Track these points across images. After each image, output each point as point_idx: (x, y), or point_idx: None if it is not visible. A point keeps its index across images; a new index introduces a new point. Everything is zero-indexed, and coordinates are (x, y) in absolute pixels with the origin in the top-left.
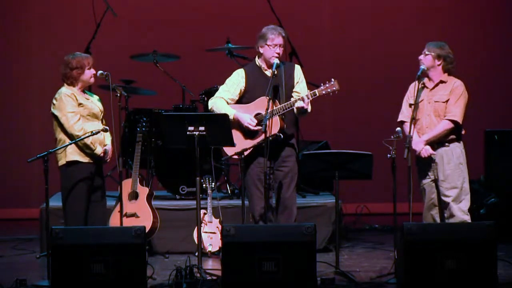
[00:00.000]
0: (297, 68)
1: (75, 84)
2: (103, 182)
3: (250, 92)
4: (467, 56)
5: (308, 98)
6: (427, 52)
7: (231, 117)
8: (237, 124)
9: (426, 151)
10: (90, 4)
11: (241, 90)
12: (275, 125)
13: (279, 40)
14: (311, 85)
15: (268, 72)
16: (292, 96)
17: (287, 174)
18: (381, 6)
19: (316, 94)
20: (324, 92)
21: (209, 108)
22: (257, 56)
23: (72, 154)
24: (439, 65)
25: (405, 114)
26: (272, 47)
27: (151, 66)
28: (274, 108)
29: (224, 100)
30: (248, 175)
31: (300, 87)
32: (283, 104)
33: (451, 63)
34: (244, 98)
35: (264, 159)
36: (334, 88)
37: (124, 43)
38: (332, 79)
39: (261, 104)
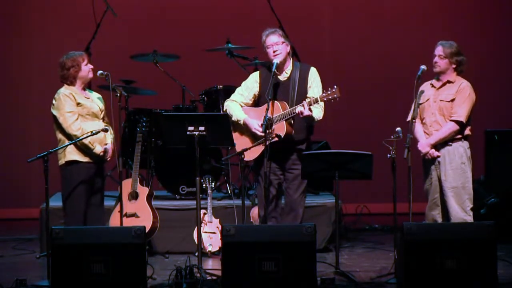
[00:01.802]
0: (312, 72)
1: (75, 82)
2: (102, 184)
3: (264, 96)
4: (467, 56)
5: (309, 105)
6: (443, 55)
7: (241, 122)
8: (247, 129)
9: (431, 154)
10: (90, 4)
11: (255, 95)
12: (280, 130)
13: (271, 39)
14: None
15: (281, 76)
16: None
17: (296, 177)
18: (381, 6)
19: (317, 101)
20: (325, 98)
21: (224, 110)
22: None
23: (71, 153)
24: (454, 68)
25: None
26: (267, 48)
27: (151, 66)
28: (280, 113)
29: (237, 103)
30: (259, 174)
31: (314, 92)
32: (287, 110)
33: (463, 65)
34: (260, 102)
35: (265, 160)
36: (336, 96)
37: (124, 43)
38: (335, 86)
39: (271, 108)
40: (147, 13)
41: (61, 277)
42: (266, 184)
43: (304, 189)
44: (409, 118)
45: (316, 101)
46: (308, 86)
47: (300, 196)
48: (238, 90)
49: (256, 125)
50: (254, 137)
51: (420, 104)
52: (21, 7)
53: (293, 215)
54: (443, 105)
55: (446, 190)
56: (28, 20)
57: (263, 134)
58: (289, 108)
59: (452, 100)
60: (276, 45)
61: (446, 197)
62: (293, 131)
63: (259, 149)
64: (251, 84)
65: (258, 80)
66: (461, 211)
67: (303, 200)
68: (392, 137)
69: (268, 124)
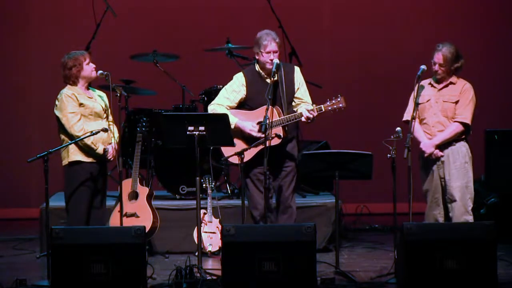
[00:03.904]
0: (297, 72)
1: (77, 82)
2: (105, 185)
3: (251, 99)
4: (466, 56)
5: (312, 114)
6: (443, 64)
7: (232, 126)
8: (239, 132)
9: (436, 154)
10: (90, 4)
11: (241, 98)
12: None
13: (273, 47)
14: (312, 85)
15: (269, 79)
16: (294, 101)
17: (288, 174)
18: (381, 6)
19: (321, 110)
20: (330, 108)
21: None
22: (256, 62)
23: (74, 154)
24: (452, 73)
25: (411, 113)
26: (266, 53)
27: (151, 66)
28: (278, 118)
29: (224, 107)
30: (248, 176)
31: (302, 92)
32: (286, 116)
33: (462, 66)
34: (246, 105)
35: (265, 160)
36: (341, 105)
37: (124, 43)
38: (339, 96)
39: (263, 113)
40: (147, 13)
41: (61, 277)
42: (266, 185)
43: (295, 185)
44: (406, 118)
45: (320, 110)
46: (296, 88)
47: (292, 192)
48: (222, 93)
49: (250, 126)
50: (246, 140)
51: (420, 104)
52: (21, 7)
53: (289, 213)
54: (447, 106)
55: (451, 190)
56: (28, 20)
57: (258, 135)
58: (283, 112)
59: (457, 102)
60: (274, 53)
61: (451, 196)
62: (288, 135)
63: (251, 152)
64: (237, 88)
65: (244, 84)
66: (464, 210)
67: (295, 197)
68: (392, 137)
69: (267, 125)
